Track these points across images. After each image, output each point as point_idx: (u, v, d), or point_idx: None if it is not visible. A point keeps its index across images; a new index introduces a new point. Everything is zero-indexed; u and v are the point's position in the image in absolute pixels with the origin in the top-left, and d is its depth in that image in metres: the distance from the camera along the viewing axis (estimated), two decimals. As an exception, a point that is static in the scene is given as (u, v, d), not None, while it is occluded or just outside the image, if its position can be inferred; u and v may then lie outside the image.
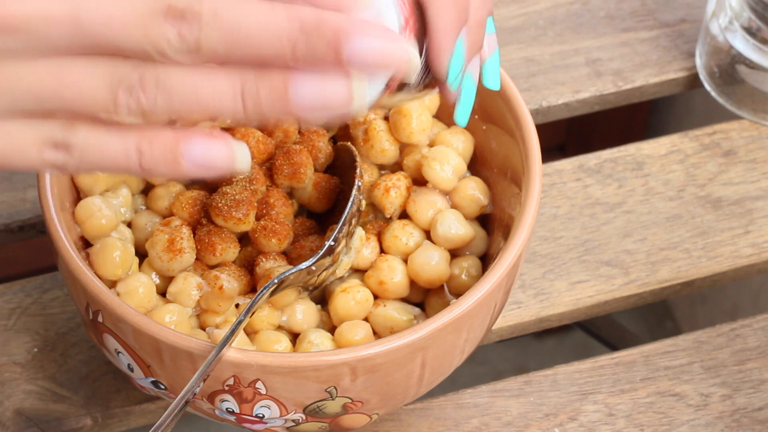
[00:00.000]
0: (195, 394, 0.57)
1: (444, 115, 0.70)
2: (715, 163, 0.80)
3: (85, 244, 0.65)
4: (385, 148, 0.68)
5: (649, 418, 0.71)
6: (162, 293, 0.64)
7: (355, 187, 0.64)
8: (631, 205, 0.78)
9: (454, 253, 0.66)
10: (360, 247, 0.65)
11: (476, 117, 0.69)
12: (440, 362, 0.62)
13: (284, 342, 0.63)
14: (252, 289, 0.64)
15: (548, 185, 0.79)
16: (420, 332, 0.59)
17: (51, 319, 0.73)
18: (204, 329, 0.63)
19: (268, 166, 0.67)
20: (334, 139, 0.70)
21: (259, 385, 0.59)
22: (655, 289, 0.76)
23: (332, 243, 0.62)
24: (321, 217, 0.68)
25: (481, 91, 0.68)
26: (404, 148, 0.69)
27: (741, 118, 0.82)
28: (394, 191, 0.66)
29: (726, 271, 0.76)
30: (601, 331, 1.31)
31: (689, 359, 0.73)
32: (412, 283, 0.65)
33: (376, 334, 0.64)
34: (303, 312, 0.64)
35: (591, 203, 0.78)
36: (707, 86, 0.82)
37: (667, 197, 0.79)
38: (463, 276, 0.65)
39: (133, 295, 0.62)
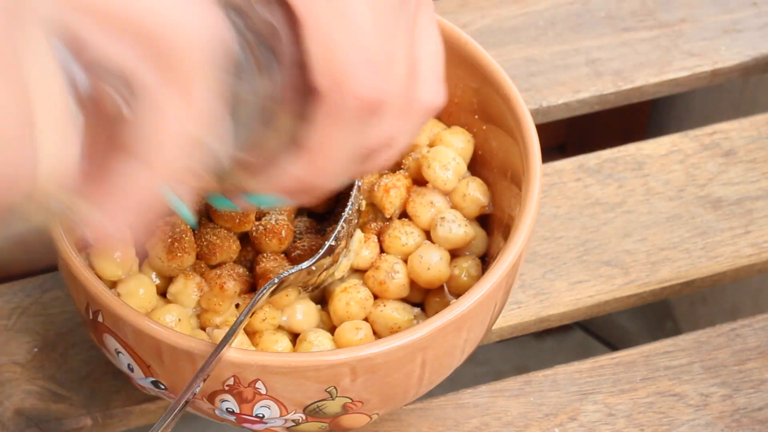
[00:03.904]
0: (195, 394, 0.58)
1: (444, 115, 0.70)
2: (715, 163, 0.80)
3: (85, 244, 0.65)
4: (385, 148, 0.68)
5: (649, 418, 0.71)
6: (162, 293, 0.64)
7: (355, 187, 0.64)
8: (631, 205, 0.78)
9: (454, 253, 0.66)
10: (359, 249, 0.65)
11: (476, 117, 0.69)
12: (440, 362, 0.62)
13: (284, 342, 0.63)
14: (252, 289, 0.64)
15: (548, 185, 0.79)
16: (420, 332, 0.59)
17: (51, 319, 0.73)
18: (204, 329, 0.63)
19: (268, 166, 0.67)
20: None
21: (259, 385, 0.59)
22: (655, 289, 0.76)
23: (333, 243, 0.62)
24: (321, 217, 0.68)
25: (482, 91, 0.68)
26: (404, 148, 0.69)
27: (741, 117, 0.82)
28: (394, 191, 0.66)
29: (726, 271, 0.76)
30: (601, 331, 1.31)
31: (689, 359, 0.73)
32: (412, 283, 0.65)
33: (376, 334, 0.64)
34: (303, 312, 0.64)
35: (591, 203, 0.78)
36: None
37: (667, 197, 0.79)
38: (463, 276, 0.65)
39: (134, 296, 0.62)
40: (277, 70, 0.50)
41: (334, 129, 0.51)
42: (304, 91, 0.50)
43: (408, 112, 0.54)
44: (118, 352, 0.61)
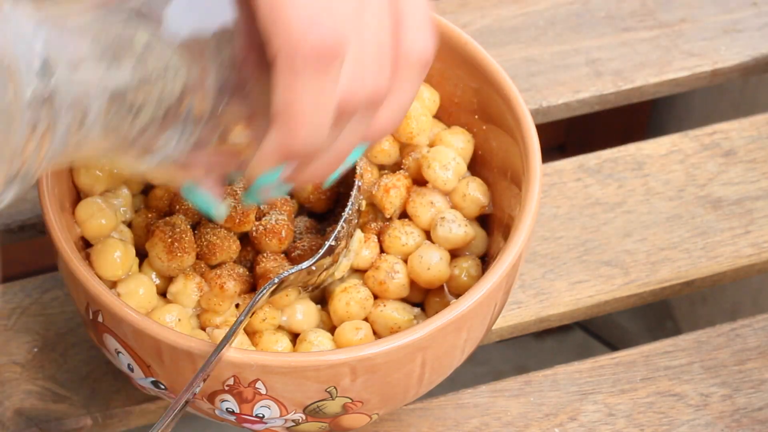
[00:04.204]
0: (195, 394, 0.58)
1: (444, 115, 0.70)
2: (715, 163, 0.80)
3: (85, 244, 0.65)
4: (385, 148, 0.68)
5: (649, 418, 0.71)
6: (162, 293, 0.64)
7: (355, 187, 0.64)
8: (631, 205, 0.78)
9: (454, 253, 0.66)
10: (359, 249, 0.65)
11: (476, 117, 0.69)
12: (440, 362, 0.62)
13: (284, 342, 0.63)
14: (252, 289, 0.64)
15: (548, 185, 0.79)
16: (420, 332, 0.59)
17: (51, 319, 0.73)
18: (204, 329, 0.63)
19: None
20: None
21: (259, 385, 0.59)
22: (655, 289, 0.76)
23: (333, 243, 0.62)
24: (321, 217, 0.68)
25: (482, 91, 0.68)
26: (404, 148, 0.69)
27: (741, 117, 0.82)
28: (394, 191, 0.66)
29: (726, 271, 0.76)
30: (601, 331, 1.31)
31: (689, 359, 0.73)
32: (412, 283, 0.65)
33: (376, 334, 0.64)
34: (303, 312, 0.64)
35: (591, 203, 0.78)
36: None
37: (667, 197, 0.79)
38: (463, 276, 0.65)
39: (134, 296, 0.62)
40: (238, 52, 0.51)
41: (294, 84, 0.50)
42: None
43: (398, 65, 0.54)
44: (118, 352, 0.61)
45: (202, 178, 0.56)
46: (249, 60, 0.52)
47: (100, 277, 0.61)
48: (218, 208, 0.58)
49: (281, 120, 0.51)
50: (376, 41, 0.52)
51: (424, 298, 0.66)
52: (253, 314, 0.62)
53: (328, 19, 0.50)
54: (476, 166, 0.69)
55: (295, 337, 0.64)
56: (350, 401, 0.61)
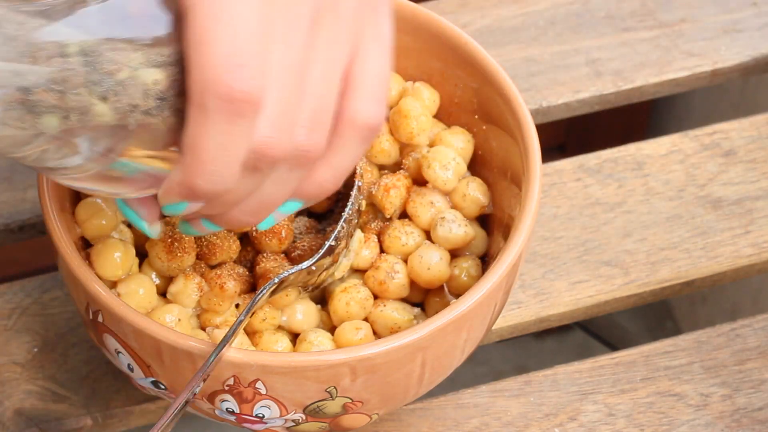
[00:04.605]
0: (195, 394, 0.58)
1: (444, 115, 0.70)
2: (715, 163, 0.80)
3: (85, 244, 0.65)
4: (385, 148, 0.68)
5: (649, 418, 0.71)
6: (162, 293, 0.64)
7: (355, 187, 0.64)
8: (631, 205, 0.78)
9: (454, 253, 0.66)
10: (359, 249, 0.65)
11: (476, 117, 0.69)
12: (440, 362, 0.62)
13: (284, 342, 0.63)
14: (252, 289, 0.64)
15: (548, 185, 0.79)
16: (420, 332, 0.59)
17: (51, 319, 0.73)
18: (204, 329, 0.63)
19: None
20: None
21: (259, 385, 0.59)
22: (655, 289, 0.76)
23: (333, 243, 0.62)
24: (321, 217, 0.68)
25: (482, 91, 0.68)
26: (404, 148, 0.69)
27: (741, 117, 0.82)
28: (394, 191, 0.66)
29: (726, 271, 0.76)
30: (601, 331, 1.31)
31: (689, 359, 0.73)
32: (412, 283, 0.65)
33: (376, 334, 0.64)
34: (303, 312, 0.64)
35: (591, 203, 0.78)
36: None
37: (667, 197, 0.79)
38: (463, 276, 0.65)
39: (134, 296, 0.62)
40: (169, 72, 0.50)
41: (203, 122, 0.49)
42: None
43: (340, 128, 0.53)
44: (118, 352, 0.61)
45: (131, 195, 0.55)
46: (170, 83, 0.50)
47: (100, 277, 0.61)
48: (151, 227, 0.57)
49: (186, 156, 0.50)
50: (318, 99, 0.51)
51: (424, 298, 0.66)
52: (253, 314, 0.62)
53: (253, 65, 0.48)
54: (476, 166, 0.69)
55: (295, 337, 0.64)
56: (350, 401, 0.61)
